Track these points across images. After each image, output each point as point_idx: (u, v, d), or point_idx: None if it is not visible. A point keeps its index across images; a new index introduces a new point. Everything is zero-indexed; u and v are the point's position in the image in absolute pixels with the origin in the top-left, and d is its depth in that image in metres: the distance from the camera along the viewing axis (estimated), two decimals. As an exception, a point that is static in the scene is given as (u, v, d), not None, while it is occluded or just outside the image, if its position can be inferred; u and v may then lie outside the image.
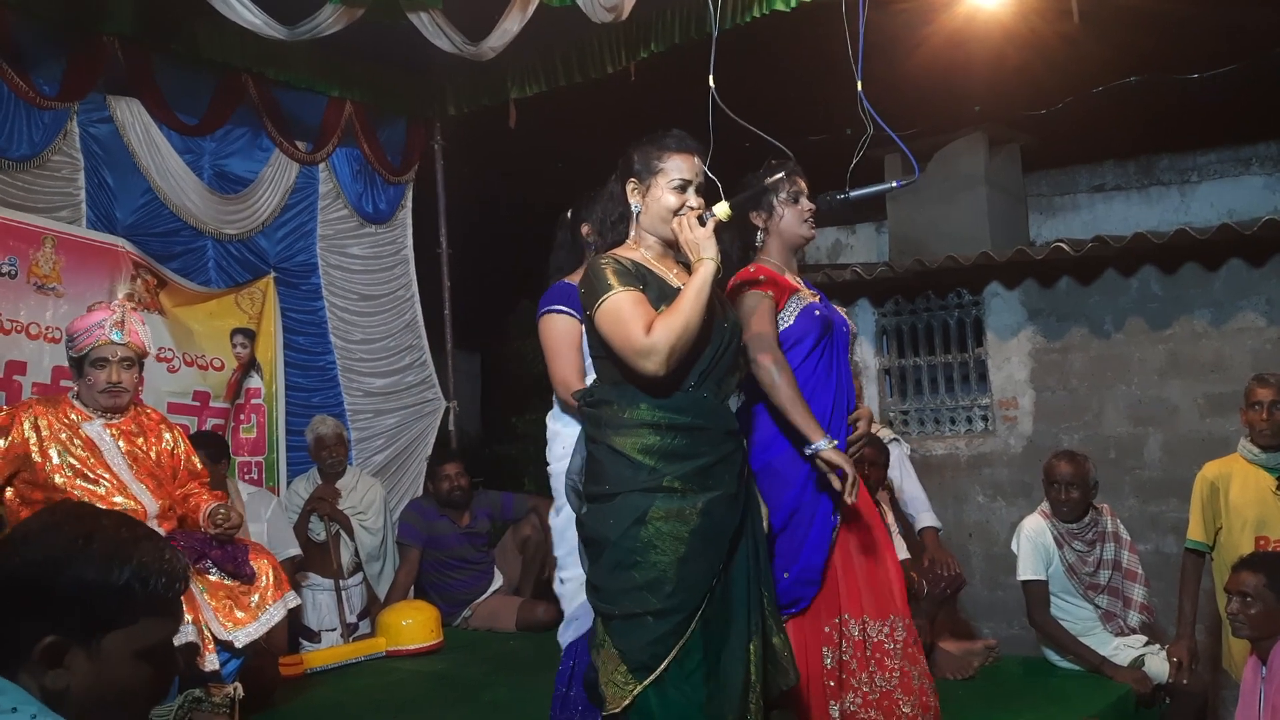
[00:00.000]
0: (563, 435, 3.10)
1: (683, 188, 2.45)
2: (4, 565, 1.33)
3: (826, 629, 2.74)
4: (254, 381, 5.19)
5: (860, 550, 2.81)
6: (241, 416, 5.14)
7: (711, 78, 2.79)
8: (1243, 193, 6.38)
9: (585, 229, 3.21)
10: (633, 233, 2.52)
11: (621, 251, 2.48)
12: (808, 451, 2.62)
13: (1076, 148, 6.70)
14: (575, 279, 3.18)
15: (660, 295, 2.39)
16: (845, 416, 2.84)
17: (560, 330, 3.08)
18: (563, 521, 3.05)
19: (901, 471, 4.49)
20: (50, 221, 4.41)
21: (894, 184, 2.95)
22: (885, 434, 4.58)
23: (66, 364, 4.15)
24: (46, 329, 4.29)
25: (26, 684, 1.30)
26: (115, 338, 3.36)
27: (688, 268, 2.46)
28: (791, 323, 2.80)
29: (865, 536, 2.83)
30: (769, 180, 2.71)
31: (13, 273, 4.21)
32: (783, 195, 2.90)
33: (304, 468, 5.29)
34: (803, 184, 2.93)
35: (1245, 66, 5.91)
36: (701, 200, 2.47)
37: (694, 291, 2.33)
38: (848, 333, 2.96)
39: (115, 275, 4.53)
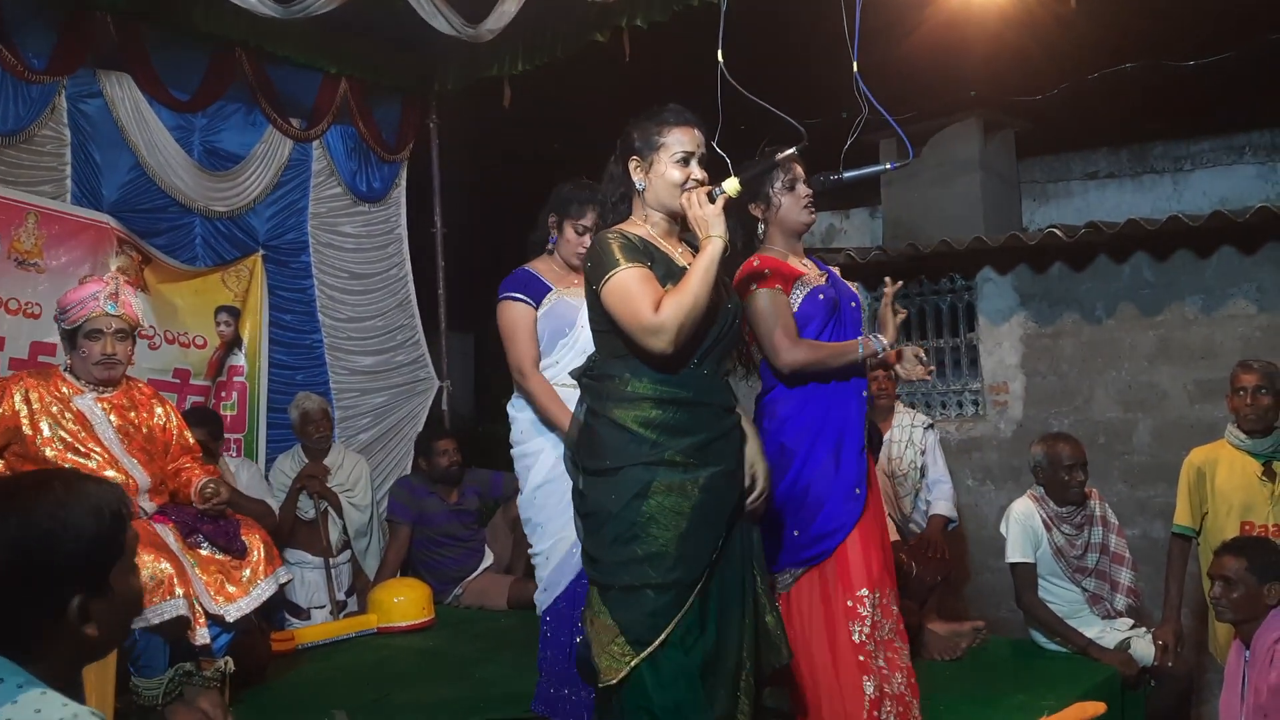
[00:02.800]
0: (519, 420, 3.26)
1: (686, 160, 2.44)
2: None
3: (850, 602, 2.77)
4: (237, 359, 5.18)
5: (874, 522, 2.87)
6: (223, 393, 5.13)
7: (720, 52, 2.77)
8: (1236, 181, 6.39)
9: (551, 219, 3.36)
10: (637, 210, 2.51)
11: (628, 227, 2.47)
12: (863, 354, 2.82)
13: (1070, 134, 6.70)
14: (537, 266, 3.33)
15: (667, 273, 2.39)
16: (862, 386, 2.91)
17: (513, 317, 3.23)
18: (525, 501, 3.25)
19: (933, 459, 4.54)
20: (34, 197, 4.37)
21: (887, 165, 2.97)
22: (921, 419, 4.62)
23: (46, 340, 4.17)
24: (26, 305, 4.26)
25: (57, 649, 1.36)
26: (109, 309, 3.35)
27: (692, 246, 2.46)
28: (797, 308, 2.86)
29: (877, 508, 2.91)
30: (780, 156, 2.70)
31: (-7, 248, 4.19)
32: (779, 184, 2.92)
33: (284, 445, 5.28)
34: (799, 170, 2.94)
35: (1240, 54, 5.91)
36: (705, 173, 2.46)
37: (702, 269, 2.32)
38: (858, 307, 3.01)
39: (99, 251, 4.49)
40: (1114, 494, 5.05)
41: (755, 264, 2.88)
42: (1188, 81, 6.04)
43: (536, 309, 3.24)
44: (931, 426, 4.66)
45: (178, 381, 4.85)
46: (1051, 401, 5.57)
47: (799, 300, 2.86)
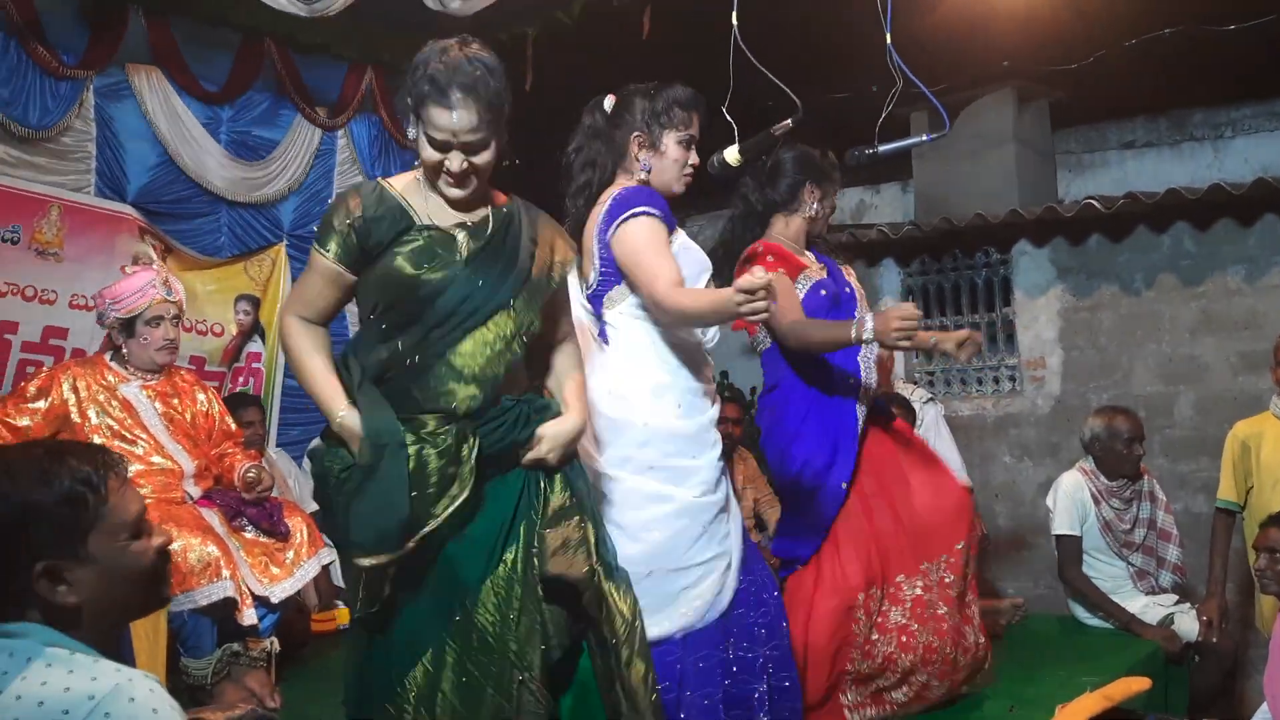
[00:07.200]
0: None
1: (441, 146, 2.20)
2: None
3: (834, 604, 2.83)
4: (255, 345, 5.23)
5: (870, 516, 2.90)
6: (240, 379, 5.18)
7: (735, 15, 2.75)
8: (1278, 147, 6.26)
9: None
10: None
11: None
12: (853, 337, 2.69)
13: (1106, 103, 6.57)
14: None
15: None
16: (859, 371, 2.93)
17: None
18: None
19: (935, 433, 4.50)
20: (58, 190, 4.44)
21: (924, 137, 2.97)
22: (920, 394, 4.59)
23: (59, 325, 4.32)
24: (42, 291, 4.34)
25: (35, 617, 1.36)
26: (168, 295, 3.44)
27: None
28: (800, 299, 2.92)
29: (883, 490, 2.93)
30: (776, 129, 2.72)
31: (15, 239, 4.26)
32: (829, 193, 3.02)
33: (298, 430, 5.30)
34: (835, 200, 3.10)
35: (1282, 18, 5.77)
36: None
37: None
38: (852, 294, 3.05)
39: (118, 241, 4.53)
40: (1155, 468, 4.98)
41: (760, 249, 2.95)
42: (1227, 46, 5.90)
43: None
44: (932, 400, 4.63)
45: (193, 368, 4.90)
46: (1090, 376, 5.50)
47: (802, 293, 2.92)
